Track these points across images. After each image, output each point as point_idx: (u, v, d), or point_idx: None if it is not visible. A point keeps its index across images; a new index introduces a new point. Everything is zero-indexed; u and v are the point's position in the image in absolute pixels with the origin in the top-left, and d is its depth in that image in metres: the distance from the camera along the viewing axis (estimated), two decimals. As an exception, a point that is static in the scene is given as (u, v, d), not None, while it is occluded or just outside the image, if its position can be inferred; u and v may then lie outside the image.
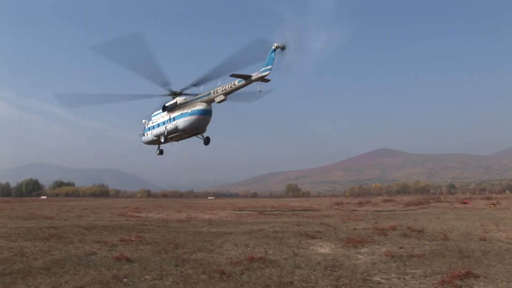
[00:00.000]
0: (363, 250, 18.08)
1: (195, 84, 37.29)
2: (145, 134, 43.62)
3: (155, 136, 41.66)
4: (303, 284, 11.92)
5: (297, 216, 44.20)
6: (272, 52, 32.08)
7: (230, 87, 34.95)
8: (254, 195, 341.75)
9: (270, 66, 32.04)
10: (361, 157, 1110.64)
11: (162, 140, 40.51)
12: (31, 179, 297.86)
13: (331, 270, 13.75)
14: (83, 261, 14.70)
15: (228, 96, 36.30)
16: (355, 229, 27.49)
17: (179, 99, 39.60)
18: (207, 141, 39.87)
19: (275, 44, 32.31)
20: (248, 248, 18.56)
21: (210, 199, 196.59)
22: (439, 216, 39.71)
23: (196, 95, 38.75)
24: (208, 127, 39.74)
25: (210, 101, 37.17)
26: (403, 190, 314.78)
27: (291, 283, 11.94)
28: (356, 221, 35.24)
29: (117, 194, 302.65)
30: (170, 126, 38.70)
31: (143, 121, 43.94)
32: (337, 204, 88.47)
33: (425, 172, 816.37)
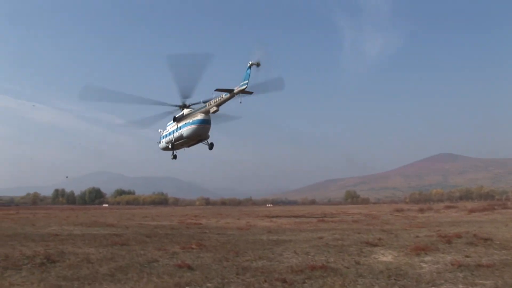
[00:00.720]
0: (427, 258, 17.38)
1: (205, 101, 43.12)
2: (161, 142, 49.78)
3: (166, 143, 47.91)
4: (367, 293, 11.64)
5: (357, 223, 43.69)
6: (248, 69, 36.94)
7: (220, 99, 40.37)
8: (313, 202, 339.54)
9: (247, 81, 37.19)
10: (421, 162, 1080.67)
11: (170, 147, 46.78)
12: (93, 188, 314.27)
13: (395, 279, 13.36)
14: (146, 268, 15.17)
15: (221, 107, 41.55)
16: (417, 236, 26.68)
17: (185, 111, 45.35)
18: (211, 146, 45.00)
19: (250, 62, 36.75)
20: (309, 256, 18.42)
21: (268, 207, 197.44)
22: (507, 224, 37.28)
23: (199, 107, 44.44)
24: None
25: (207, 112, 42.39)
26: (466, 196, 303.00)
27: (355, 292, 11.67)
28: (418, 228, 34.25)
29: (176, 202, 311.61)
30: (176, 134, 44.47)
31: (159, 130, 49.89)
32: (397, 210, 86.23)
33: (490, 177, 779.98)
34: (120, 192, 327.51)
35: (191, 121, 42.74)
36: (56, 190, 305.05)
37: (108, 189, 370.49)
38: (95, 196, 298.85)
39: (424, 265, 15.90)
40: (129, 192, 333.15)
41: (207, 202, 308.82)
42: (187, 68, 40.91)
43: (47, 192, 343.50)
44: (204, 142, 45.13)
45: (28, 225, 38.32)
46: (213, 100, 41.28)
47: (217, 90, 39.46)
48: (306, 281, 13.21)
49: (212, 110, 41.41)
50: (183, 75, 41.39)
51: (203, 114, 42.47)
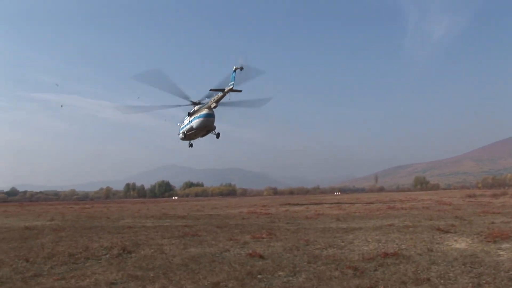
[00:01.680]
0: (505, 245, 16.51)
1: (208, 96, 52.19)
2: (179, 134, 58.32)
3: (183, 134, 56.29)
4: (441, 281, 11.44)
5: (428, 209, 42.44)
6: (233, 72, 45.66)
7: (217, 97, 49.24)
8: (381, 189, 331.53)
9: (232, 82, 46.03)
10: (493, 145, 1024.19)
11: (185, 137, 55.48)
12: (163, 181, 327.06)
13: (471, 267, 12.94)
14: (218, 258, 15.74)
15: (219, 103, 50.51)
16: (492, 222, 25.53)
17: (196, 107, 54.15)
18: (218, 136, 53.63)
19: (234, 67, 45.38)
20: (380, 244, 18.24)
21: (336, 195, 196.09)
22: None
23: (205, 103, 53.30)
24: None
25: (210, 107, 50.81)
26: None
27: (428, 279, 11.53)
28: (492, 214, 32.61)
29: (244, 193, 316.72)
30: (188, 126, 52.65)
31: (178, 124, 58.86)
32: (469, 196, 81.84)
33: None
34: (189, 184, 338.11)
35: (198, 115, 51.43)
36: (127, 184, 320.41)
37: (177, 182, 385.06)
38: (164, 189, 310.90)
39: (501, 252, 15.21)
40: (198, 184, 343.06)
41: (275, 192, 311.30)
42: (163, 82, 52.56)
43: (119, 186, 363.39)
44: (212, 132, 53.38)
45: (103, 218, 40.90)
46: (213, 98, 49.88)
47: (211, 90, 49.19)
48: (378, 268, 13.18)
49: (212, 106, 50.52)
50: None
51: (207, 109, 51.06)
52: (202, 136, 55.30)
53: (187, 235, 23.17)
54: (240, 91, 46.78)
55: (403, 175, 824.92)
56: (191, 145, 59.05)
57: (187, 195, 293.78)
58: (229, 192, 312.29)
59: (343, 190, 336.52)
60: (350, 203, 67.91)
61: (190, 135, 53.55)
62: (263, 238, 21.12)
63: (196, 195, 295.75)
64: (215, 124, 52.12)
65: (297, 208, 56.86)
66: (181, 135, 57.87)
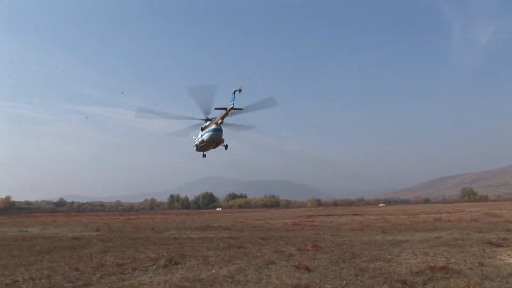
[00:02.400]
0: None
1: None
2: (194, 146, 64.43)
3: (196, 146, 62.69)
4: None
5: (476, 222, 41.27)
6: (233, 94, 51.23)
7: (222, 115, 54.79)
8: (426, 201, 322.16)
9: (232, 102, 51.63)
10: None
11: (197, 149, 62.01)
12: (206, 193, 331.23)
13: None
14: (264, 270, 15.89)
15: (224, 120, 56.65)
16: None
17: (207, 123, 60.21)
18: (226, 147, 59.73)
19: (234, 89, 50.79)
20: (428, 257, 17.93)
21: (381, 206, 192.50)
22: None
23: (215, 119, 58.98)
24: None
25: (217, 123, 57.16)
26: None
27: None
28: None
29: (288, 204, 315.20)
30: (201, 139, 59.04)
31: (193, 137, 64.41)
32: None
33: None
34: (232, 196, 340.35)
35: (208, 130, 57.60)
36: (172, 196, 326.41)
37: (220, 194, 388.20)
38: (208, 201, 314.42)
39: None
40: (241, 196, 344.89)
41: (319, 203, 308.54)
42: (204, 95, 56.37)
43: (163, 197, 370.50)
44: (221, 144, 59.47)
45: (149, 229, 41.91)
46: (219, 115, 55.85)
47: (216, 108, 55.25)
48: (428, 282, 13.01)
49: (219, 122, 56.73)
50: (201, 100, 57.00)
51: (215, 125, 57.25)
52: (214, 148, 61.79)
53: (232, 246, 23.47)
54: (241, 109, 52.87)
55: (449, 186, 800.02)
56: (204, 155, 66.00)
57: (231, 207, 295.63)
58: (273, 203, 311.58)
59: (387, 202, 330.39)
60: (396, 215, 66.70)
61: (203, 147, 59.90)
62: (308, 250, 21.15)
63: (240, 206, 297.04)
64: (223, 137, 58.63)
65: (342, 219, 56.53)
66: (195, 147, 64.96)
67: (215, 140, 57.31)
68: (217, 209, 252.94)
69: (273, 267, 16.66)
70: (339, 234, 31.77)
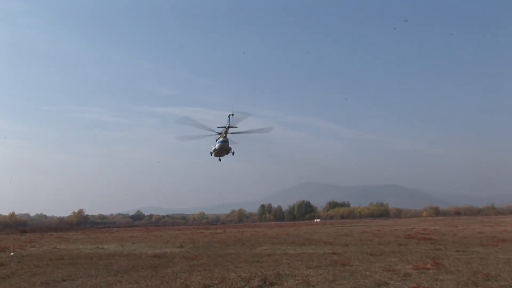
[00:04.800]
0: None
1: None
2: (210, 152, 76.75)
3: (210, 153, 75.18)
4: None
5: None
6: (228, 117, 65.05)
7: (223, 131, 67.63)
8: None
9: (228, 123, 65.34)
10: None
11: (211, 155, 74.17)
12: (303, 201, 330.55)
13: None
14: (375, 292, 15.48)
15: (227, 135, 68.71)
16: None
17: (219, 136, 71.95)
18: (233, 153, 71.58)
19: (229, 113, 64.84)
20: None
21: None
22: None
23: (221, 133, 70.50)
24: None
25: (224, 136, 68.81)
26: None
27: None
28: None
29: (399, 214, 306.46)
30: (213, 147, 71.48)
31: (211, 146, 75.30)
32: None
33: None
34: (333, 205, 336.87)
35: (218, 141, 70.01)
36: (262, 206, 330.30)
37: (318, 202, 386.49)
38: (305, 211, 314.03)
39: None
40: (343, 204, 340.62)
41: (437, 212, 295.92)
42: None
43: (252, 208, 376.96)
44: (230, 153, 71.73)
45: (238, 244, 42.75)
46: (223, 131, 68.36)
47: (218, 127, 68.12)
48: None
49: (223, 135, 69.01)
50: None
51: (222, 137, 69.70)
52: (226, 154, 74.84)
53: (336, 264, 23.20)
54: (236, 127, 67.45)
55: None
56: (219, 159, 78.27)
57: (331, 217, 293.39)
58: (381, 213, 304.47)
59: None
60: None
61: (216, 154, 73.87)
62: (428, 269, 20.35)
63: (342, 217, 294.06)
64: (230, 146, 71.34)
65: (467, 232, 54.00)
66: (210, 153, 78.61)
67: (224, 149, 72.84)
68: (315, 220, 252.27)
69: (387, 289, 16.25)
70: (466, 250, 30.20)
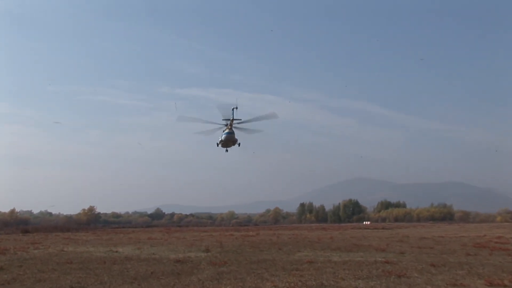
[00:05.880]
0: None
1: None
2: (216, 143, 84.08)
3: (217, 144, 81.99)
4: None
5: None
6: (232, 110, 70.89)
7: (229, 123, 74.73)
8: None
9: (232, 117, 71.71)
10: None
11: (217, 145, 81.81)
12: (350, 200, 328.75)
13: None
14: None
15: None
16: None
17: (225, 128, 79.76)
18: (239, 145, 79.09)
19: (232, 107, 70.91)
20: None
21: None
22: None
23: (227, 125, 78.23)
24: None
25: (230, 128, 75.98)
26: None
27: None
28: None
29: (466, 217, 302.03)
30: (220, 139, 78.45)
31: (219, 137, 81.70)
32: None
33: None
34: (385, 205, 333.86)
35: (225, 132, 77.35)
36: (302, 205, 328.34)
37: (368, 201, 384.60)
38: (352, 211, 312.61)
39: None
40: (398, 205, 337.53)
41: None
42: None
43: (290, 207, 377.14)
44: (236, 144, 79.44)
45: (274, 249, 42.58)
46: (228, 123, 75.35)
47: (223, 119, 74.55)
48: None
49: (229, 127, 76.19)
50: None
51: (228, 129, 76.66)
52: (232, 145, 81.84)
53: (389, 274, 22.86)
54: (240, 119, 73.89)
55: None
56: (226, 150, 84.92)
57: (383, 220, 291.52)
58: (444, 215, 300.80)
59: None
60: None
61: (222, 144, 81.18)
62: (505, 285, 19.68)
63: (396, 219, 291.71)
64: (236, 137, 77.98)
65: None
66: (217, 144, 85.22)
67: (230, 140, 79.40)
68: (364, 222, 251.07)
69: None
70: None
